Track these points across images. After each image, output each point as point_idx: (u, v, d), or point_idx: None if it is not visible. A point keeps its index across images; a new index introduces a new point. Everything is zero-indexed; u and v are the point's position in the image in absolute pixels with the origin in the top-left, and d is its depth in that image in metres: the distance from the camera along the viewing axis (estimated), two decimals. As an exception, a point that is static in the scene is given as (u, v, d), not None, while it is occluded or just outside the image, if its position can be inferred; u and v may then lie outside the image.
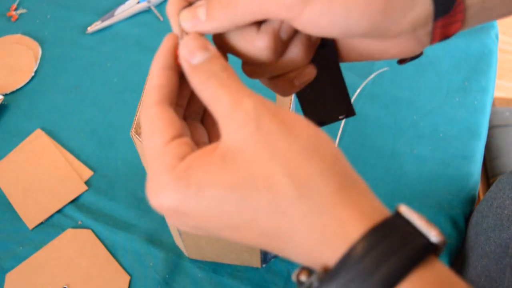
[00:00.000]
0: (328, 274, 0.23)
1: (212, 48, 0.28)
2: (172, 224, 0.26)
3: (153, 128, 0.27)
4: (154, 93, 0.28)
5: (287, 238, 0.24)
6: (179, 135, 0.27)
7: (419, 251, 0.22)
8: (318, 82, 0.34)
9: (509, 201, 0.51)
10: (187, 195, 0.25)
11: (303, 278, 0.24)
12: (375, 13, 0.26)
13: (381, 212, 0.24)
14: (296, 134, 0.24)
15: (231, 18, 0.28)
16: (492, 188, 0.55)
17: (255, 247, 0.25)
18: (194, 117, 0.32)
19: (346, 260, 0.22)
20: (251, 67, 0.31)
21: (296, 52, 0.31)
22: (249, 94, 0.26)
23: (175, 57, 0.29)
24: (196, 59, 0.27)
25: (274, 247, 0.26)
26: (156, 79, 0.29)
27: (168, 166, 0.26)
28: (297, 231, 0.24)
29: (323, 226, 0.23)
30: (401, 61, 0.34)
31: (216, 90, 0.26)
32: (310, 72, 0.32)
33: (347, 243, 0.23)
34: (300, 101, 0.36)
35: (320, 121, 0.36)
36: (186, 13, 0.29)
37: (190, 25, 0.29)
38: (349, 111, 0.36)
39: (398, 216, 0.24)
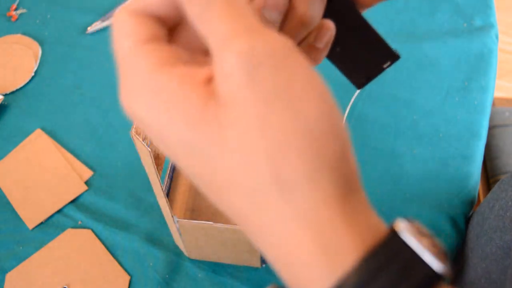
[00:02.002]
0: None
1: None
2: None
3: (122, 31, 0.22)
4: (134, 4, 0.22)
5: (263, 234, 0.20)
6: (157, 38, 0.22)
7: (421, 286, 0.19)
8: (344, 38, 0.30)
9: None
10: (159, 119, 0.20)
11: None
12: None
13: (377, 230, 0.20)
14: (299, 110, 0.18)
15: None
16: (494, 189, 0.55)
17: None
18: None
19: None
20: None
21: (302, 6, 0.25)
22: (249, 29, 0.19)
23: None
24: None
25: (248, 233, 0.21)
26: None
27: (142, 71, 0.21)
28: (274, 234, 0.19)
29: (305, 242, 0.19)
30: None
31: (213, 22, 0.20)
32: (329, 27, 0.27)
33: (335, 272, 0.19)
34: (337, 67, 0.33)
35: (366, 78, 0.33)
36: None
37: None
38: (393, 56, 0.32)
39: (395, 237, 0.19)
